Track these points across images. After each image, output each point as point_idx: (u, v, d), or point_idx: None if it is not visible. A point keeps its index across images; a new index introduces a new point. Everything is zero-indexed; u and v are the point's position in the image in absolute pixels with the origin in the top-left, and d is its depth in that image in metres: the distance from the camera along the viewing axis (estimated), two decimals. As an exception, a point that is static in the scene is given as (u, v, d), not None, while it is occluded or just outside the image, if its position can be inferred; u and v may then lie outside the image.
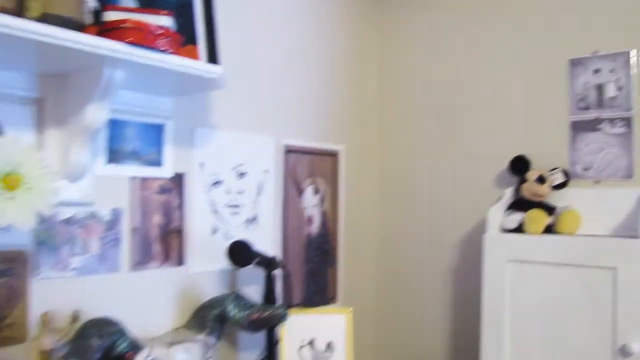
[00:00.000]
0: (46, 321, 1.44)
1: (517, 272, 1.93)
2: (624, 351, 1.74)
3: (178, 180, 1.84)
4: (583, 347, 1.82)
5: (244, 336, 2.02)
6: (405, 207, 2.53)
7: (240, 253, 1.76)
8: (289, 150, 2.18)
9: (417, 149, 2.50)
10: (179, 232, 1.85)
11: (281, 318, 1.70)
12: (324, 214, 2.33)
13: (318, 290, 2.30)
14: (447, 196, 2.41)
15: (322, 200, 2.32)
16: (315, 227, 2.30)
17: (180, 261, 1.85)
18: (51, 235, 1.56)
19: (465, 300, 2.33)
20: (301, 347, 1.75)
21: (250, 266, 1.80)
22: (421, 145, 2.49)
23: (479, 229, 2.19)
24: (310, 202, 2.27)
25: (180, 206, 1.85)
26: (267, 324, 1.72)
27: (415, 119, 2.51)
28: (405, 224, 2.52)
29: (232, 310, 1.74)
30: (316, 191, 2.29)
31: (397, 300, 2.54)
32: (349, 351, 1.76)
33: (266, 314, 1.71)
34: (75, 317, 1.49)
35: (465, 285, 2.33)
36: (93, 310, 1.57)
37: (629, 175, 1.99)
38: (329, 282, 2.36)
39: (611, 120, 2.02)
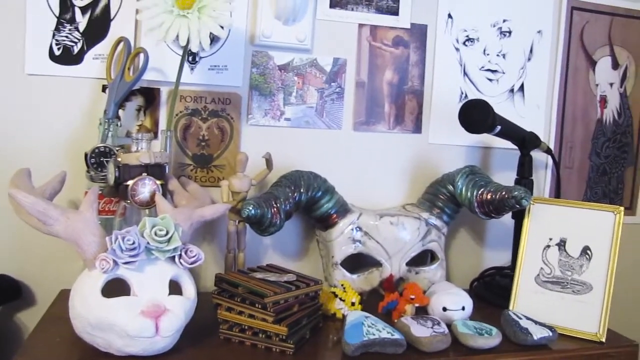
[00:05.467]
0: (238, 161, 1.34)
1: None
2: None
3: (418, 32, 1.57)
4: None
5: (493, 228, 1.71)
6: None
7: (474, 113, 1.41)
8: (576, 7, 1.72)
9: None
10: (417, 94, 1.59)
11: (517, 201, 1.34)
12: (623, 96, 1.81)
13: (607, 193, 1.83)
14: None
15: (622, 78, 1.80)
16: (610, 112, 1.80)
17: (416, 128, 1.60)
18: (265, 80, 1.45)
19: None
20: (547, 247, 1.38)
21: (491, 135, 1.44)
22: None
23: None
24: (606, 78, 1.78)
25: (420, 64, 1.58)
26: (499, 208, 1.39)
27: None
28: None
29: (461, 187, 1.44)
30: (615, 65, 1.78)
31: None
32: (613, 262, 1.32)
33: (500, 194, 1.37)
34: (266, 160, 1.36)
35: None
36: (306, 165, 1.44)
37: None
38: (624, 186, 1.85)
39: None
